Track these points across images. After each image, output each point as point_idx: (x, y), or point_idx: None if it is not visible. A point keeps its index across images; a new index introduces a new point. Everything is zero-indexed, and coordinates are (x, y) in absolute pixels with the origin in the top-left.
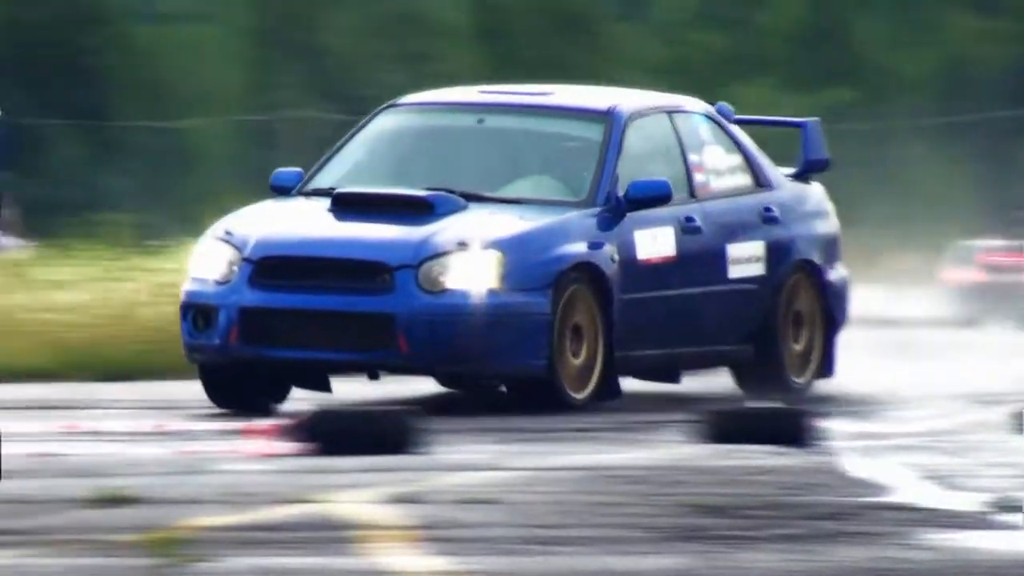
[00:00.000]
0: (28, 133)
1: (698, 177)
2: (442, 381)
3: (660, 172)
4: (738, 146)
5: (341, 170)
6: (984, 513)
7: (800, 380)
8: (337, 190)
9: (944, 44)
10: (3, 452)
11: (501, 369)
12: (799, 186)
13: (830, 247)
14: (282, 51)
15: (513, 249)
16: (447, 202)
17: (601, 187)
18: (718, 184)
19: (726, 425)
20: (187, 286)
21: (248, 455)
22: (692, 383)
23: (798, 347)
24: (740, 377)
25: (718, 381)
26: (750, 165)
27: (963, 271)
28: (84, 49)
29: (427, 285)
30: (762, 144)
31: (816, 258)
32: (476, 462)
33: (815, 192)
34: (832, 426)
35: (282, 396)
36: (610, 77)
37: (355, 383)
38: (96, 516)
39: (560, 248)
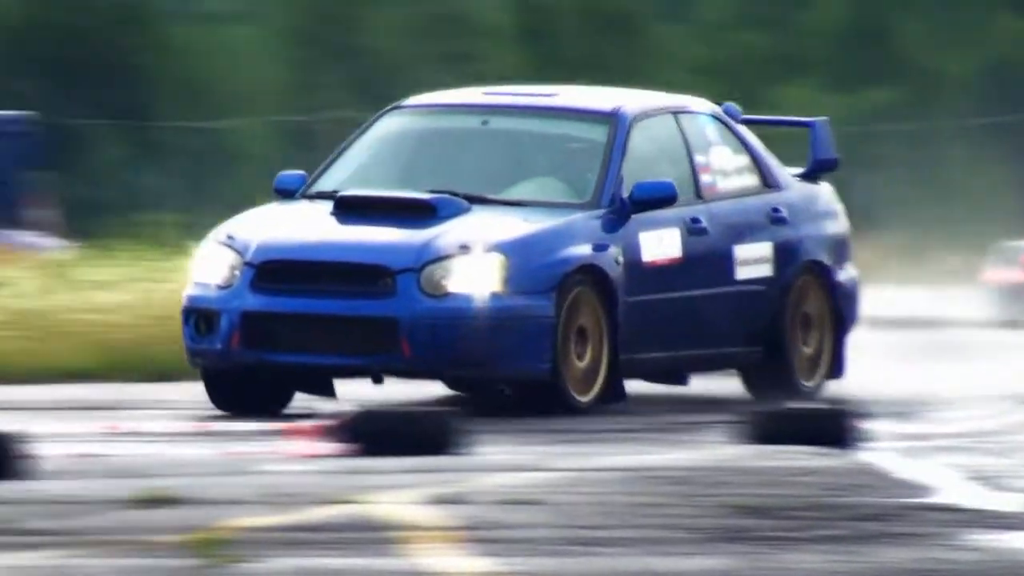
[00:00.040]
0: (69, 133)
1: (704, 178)
2: (450, 384)
3: (666, 173)
4: (745, 146)
5: (345, 172)
6: None
7: (809, 383)
8: (340, 193)
9: (987, 45)
10: (46, 452)
11: (505, 373)
12: (807, 186)
13: (839, 247)
14: (323, 51)
15: (516, 252)
16: (450, 205)
17: (606, 189)
18: (725, 185)
19: (769, 426)
20: (189, 291)
21: (290, 456)
22: (699, 385)
23: (808, 350)
24: (748, 379)
25: (727, 383)
26: (757, 165)
27: (1006, 271)
28: (126, 49)
29: (429, 289)
30: (773, 144)
31: (825, 259)
32: (519, 463)
33: (824, 192)
34: (876, 427)
35: (286, 400)
36: (652, 77)
37: (359, 386)
38: (138, 517)
39: (564, 250)
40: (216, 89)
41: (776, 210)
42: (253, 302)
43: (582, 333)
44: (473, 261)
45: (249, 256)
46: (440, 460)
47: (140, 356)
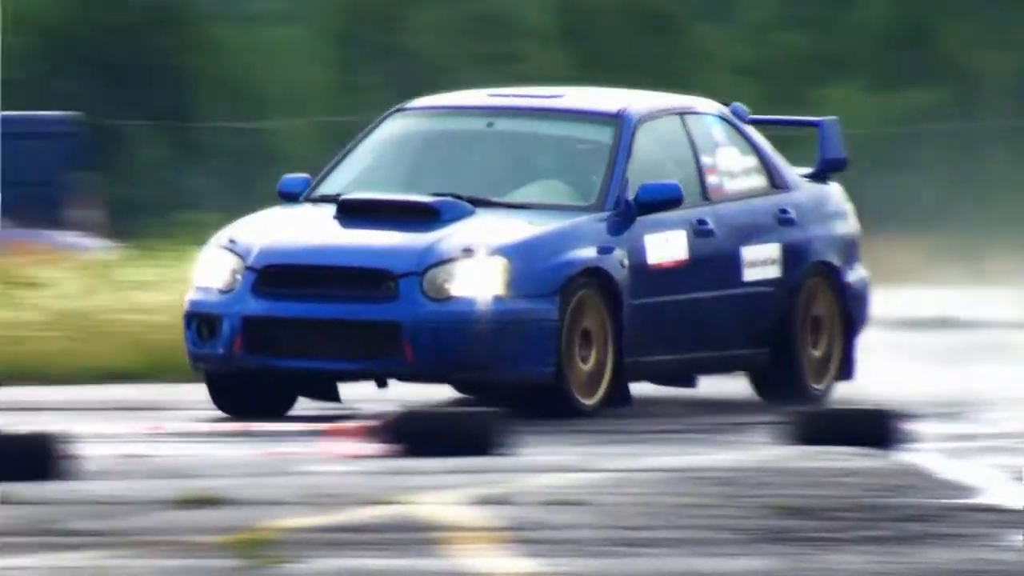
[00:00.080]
0: (111, 134)
1: (711, 179)
2: (458, 387)
3: (672, 175)
4: (753, 147)
5: (349, 176)
6: None
7: (819, 386)
8: (342, 196)
9: None
10: (89, 453)
11: (508, 376)
12: (816, 187)
13: (849, 248)
14: (364, 51)
15: (519, 255)
16: (453, 208)
17: (611, 191)
18: (732, 186)
19: (813, 426)
20: (191, 295)
21: (333, 456)
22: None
23: (817, 353)
24: (757, 382)
25: (735, 386)
26: (765, 166)
27: None
28: (168, 50)
29: (432, 292)
30: (789, 144)
31: (834, 259)
32: (563, 463)
33: (833, 193)
34: (920, 427)
35: (289, 404)
36: (694, 78)
37: (364, 388)
38: (181, 517)
39: (568, 253)
40: (257, 89)
41: (784, 211)
42: (255, 307)
43: (587, 336)
44: (476, 264)
45: (251, 260)
46: (484, 461)
47: (182, 357)
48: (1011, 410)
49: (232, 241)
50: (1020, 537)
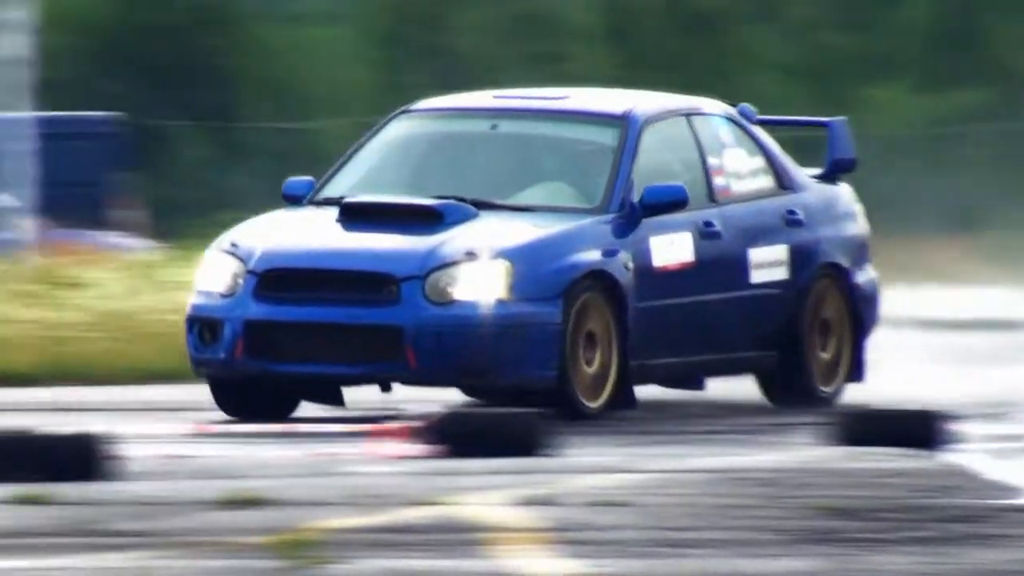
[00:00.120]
0: (154, 134)
1: (718, 180)
2: (466, 392)
3: (678, 176)
4: (760, 148)
5: (353, 178)
6: None
7: (827, 389)
8: (345, 199)
9: None
10: (133, 453)
11: (511, 380)
12: (825, 187)
13: (858, 249)
14: (408, 52)
15: (522, 258)
16: (457, 211)
17: (615, 193)
18: (739, 187)
19: (857, 427)
20: (193, 299)
21: (377, 457)
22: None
23: (825, 355)
24: (765, 385)
25: (744, 388)
26: (773, 167)
27: None
28: (211, 50)
29: (434, 296)
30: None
31: (843, 261)
32: (607, 464)
33: (842, 193)
34: (965, 428)
35: (292, 407)
36: (739, 78)
37: (368, 392)
38: (225, 518)
39: (571, 256)
40: (301, 90)
41: (792, 212)
42: (256, 311)
43: (591, 339)
44: (479, 268)
45: (252, 264)
46: (528, 461)
47: None
48: None
49: (234, 245)
50: None
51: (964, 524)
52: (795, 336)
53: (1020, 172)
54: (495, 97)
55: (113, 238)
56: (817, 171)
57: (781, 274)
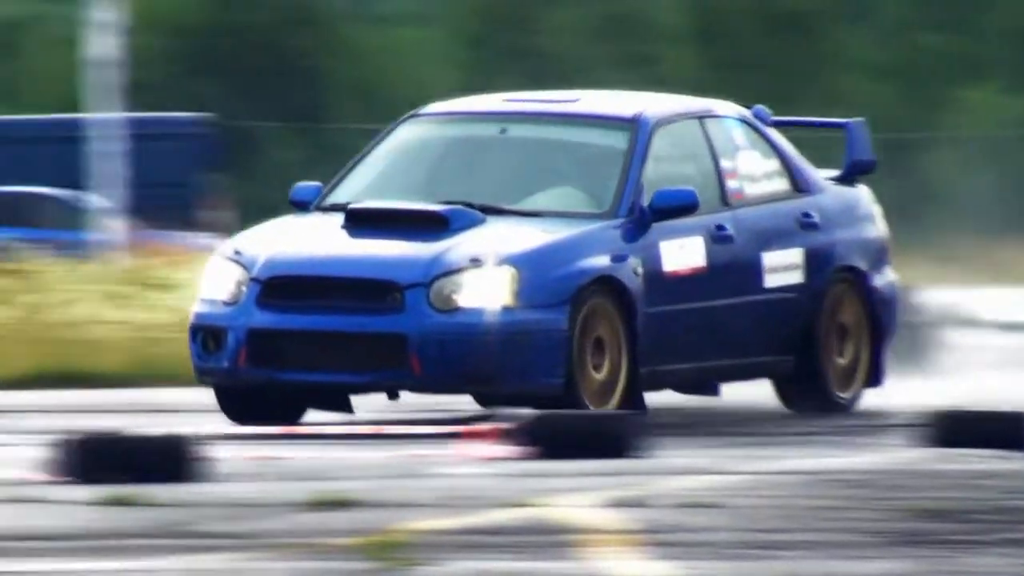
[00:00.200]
0: (243, 135)
1: (731, 184)
2: (477, 399)
3: (690, 180)
4: (775, 150)
5: (361, 183)
6: None
7: (845, 394)
8: (350, 205)
9: None
10: (222, 455)
11: (516, 388)
12: (842, 190)
13: (877, 252)
14: (497, 53)
15: (528, 264)
16: (463, 216)
17: (625, 197)
18: (753, 190)
19: (950, 428)
20: (196, 307)
21: (467, 458)
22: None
23: (843, 361)
24: (781, 390)
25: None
26: (788, 169)
27: None
28: (300, 51)
29: (439, 303)
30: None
31: (861, 264)
32: (698, 466)
33: (860, 195)
34: None
35: (299, 415)
36: (829, 79)
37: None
38: (313, 519)
39: (579, 262)
40: (390, 91)
41: (807, 215)
42: (259, 319)
43: (600, 345)
44: (484, 275)
45: (255, 272)
46: (619, 463)
47: None
48: None
49: (237, 252)
50: None
51: None
52: (811, 341)
53: None
54: (505, 100)
55: (202, 239)
56: (835, 173)
57: (796, 278)
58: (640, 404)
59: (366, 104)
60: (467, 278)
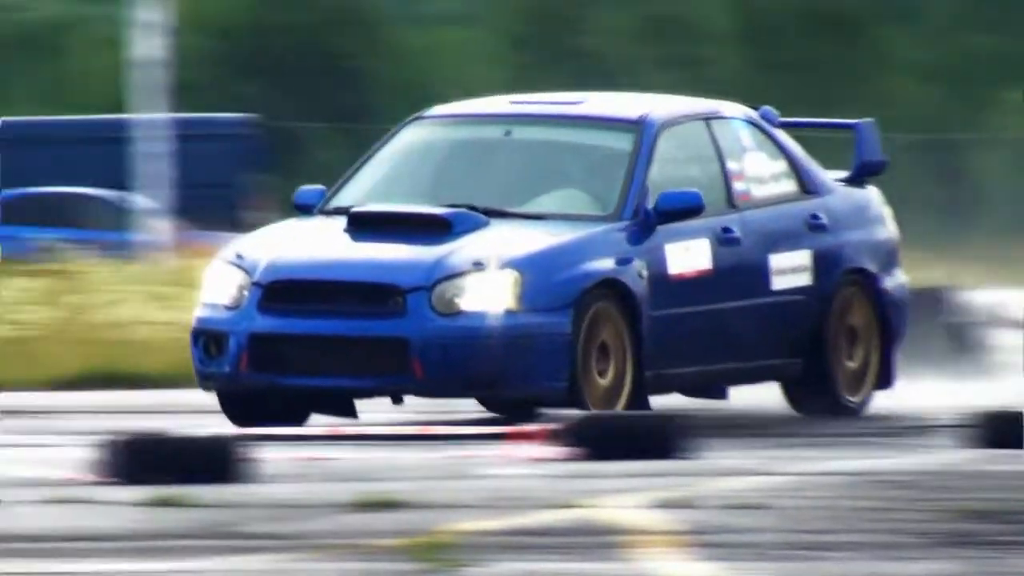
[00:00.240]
0: (288, 136)
1: (737, 185)
2: (484, 404)
3: (696, 182)
4: (783, 151)
5: (364, 186)
6: None
7: (854, 398)
8: (353, 209)
9: None
10: (267, 456)
11: (519, 392)
12: (851, 191)
13: (886, 254)
14: (543, 54)
15: (531, 268)
16: (466, 220)
17: (629, 200)
18: (760, 192)
19: (997, 429)
20: (198, 312)
21: (514, 459)
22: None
23: (852, 364)
24: (790, 393)
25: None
26: (796, 171)
27: None
28: (344, 52)
29: (441, 307)
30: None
31: (870, 266)
32: (744, 467)
33: (869, 196)
34: None
35: (303, 420)
36: (875, 80)
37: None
38: (360, 520)
39: (582, 265)
40: (434, 91)
41: (815, 217)
42: (261, 323)
43: (604, 350)
44: (486, 278)
45: (257, 276)
46: (665, 464)
47: None
48: None
49: (239, 256)
50: None
51: None
52: (820, 343)
53: None
54: (509, 102)
55: None
56: (845, 174)
57: (804, 280)
58: (646, 408)
59: (410, 104)
60: (469, 282)
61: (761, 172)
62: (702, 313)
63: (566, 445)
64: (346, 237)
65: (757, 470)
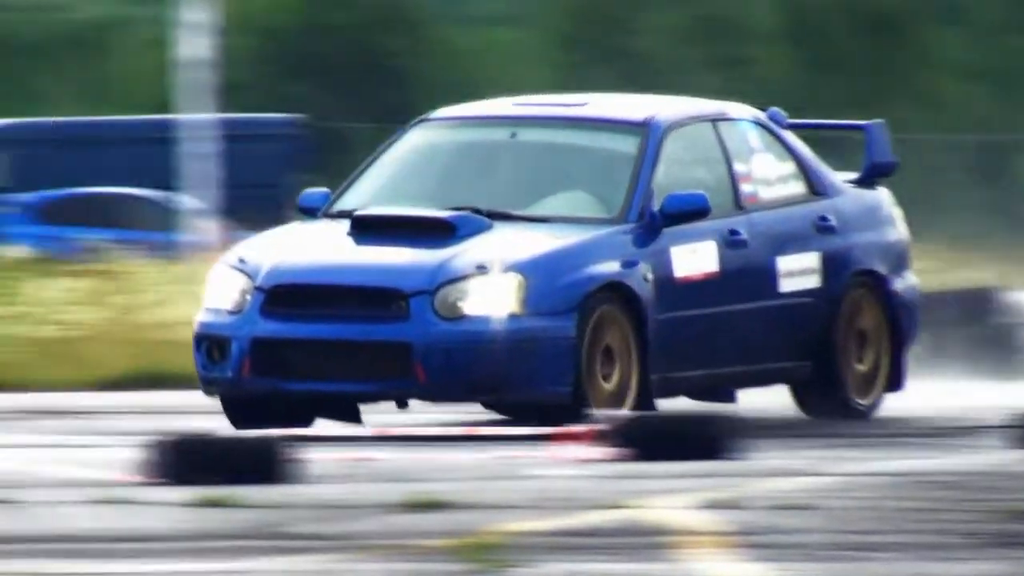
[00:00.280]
0: (335, 136)
1: (745, 187)
2: (484, 407)
3: (702, 184)
4: (791, 153)
5: (369, 189)
6: None
7: (864, 401)
8: (356, 212)
9: None
10: (314, 456)
11: (523, 397)
12: (861, 192)
13: (896, 255)
14: (590, 54)
15: (535, 271)
16: (470, 223)
17: (635, 202)
18: (768, 194)
19: None
20: (201, 317)
21: (562, 460)
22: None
23: (862, 367)
24: (798, 396)
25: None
26: (804, 172)
27: None
28: (391, 52)
29: (444, 311)
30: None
31: (880, 267)
32: (792, 468)
33: (879, 198)
34: None
35: (307, 425)
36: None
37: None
38: (406, 521)
39: (587, 268)
40: (481, 92)
41: (824, 218)
42: (263, 328)
43: (609, 354)
44: (490, 282)
45: (259, 280)
46: (713, 465)
47: None
48: None
49: (241, 260)
50: None
51: None
52: (829, 346)
53: None
54: (514, 104)
55: None
56: (855, 175)
57: (813, 282)
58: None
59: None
60: (473, 285)
61: (768, 174)
62: (709, 316)
63: (614, 446)
64: (349, 241)
65: (804, 471)
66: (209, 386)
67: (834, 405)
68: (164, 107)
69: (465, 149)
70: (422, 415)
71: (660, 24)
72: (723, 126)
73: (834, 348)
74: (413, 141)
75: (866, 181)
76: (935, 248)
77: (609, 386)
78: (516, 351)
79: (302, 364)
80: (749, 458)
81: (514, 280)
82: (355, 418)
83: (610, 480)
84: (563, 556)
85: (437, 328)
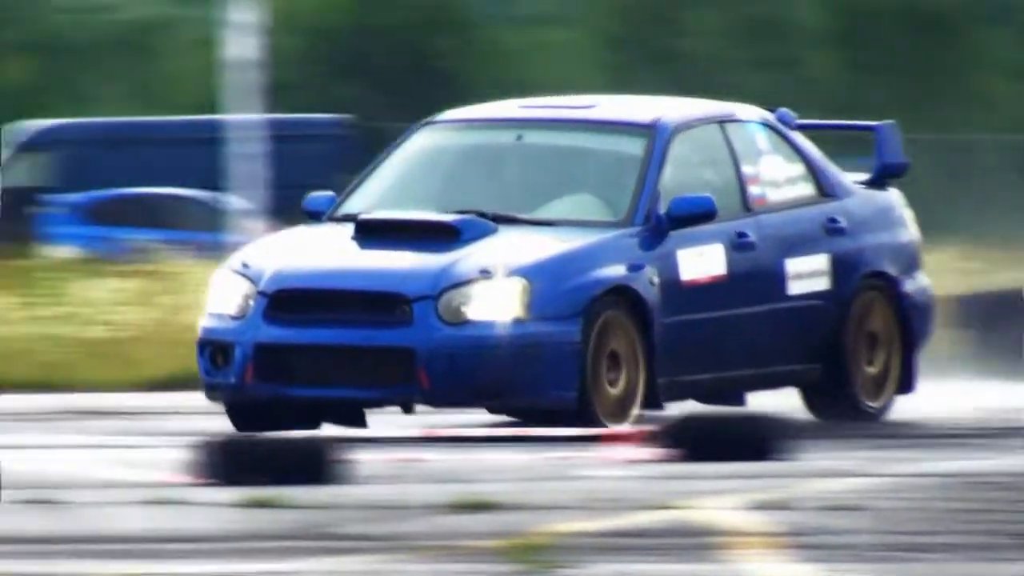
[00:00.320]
0: (382, 136)
1: (753, 189)
2: (495, 414)
3: (710, 186)
4: (800, 154)
5: (374, 193)
6: None
7: (874, 403)
8: (360, 216)
9: None
10: (363, 457)
11: (527, 402)
12: (871, 194)
13: (907, 257)
14: (638, 55)
15: (539, 276)
16: (475, 226)
17: (641, 205)
18: (776, 196)
19: None
20: (204, 322)
21: (611, 461)
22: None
23: (872, 369)
24: (808, 399)
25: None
26: (813, 174)
27: None
28: (440, 52)
29: (448, 316)
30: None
31: (890, 269)
32: (841, 468)
33: (890, 199)
34: None
35: (314, 427)
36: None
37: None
38: (455, 522)
39: (592, 272)
40: (530, 93)
41: (833, 220)
42: (266, 333)
43: (615, 358)
44: (494, 286)
45: (262, 285)
46: (762, 466)
47: None
48: None
49: (245, 265)
50: None
51: None
52: (839, 348)
53: None
54: (520, 107)
55: None
56: (865, 176)
57: (822, 285)
58: None
59: None
60: (476, 290)
61: (777, 175)
62: (716, 319)
63: (662, 446)
64: (353, 245)
65: (853, 471)
66: (213, 392)
67: (844, 408)
68: (211, 107)
69: (471, 152)
70: (472, 416)
71: (708, 24)
72: (731, 128)
73: (844, 351)
74: (418, 144)
75: (877, 182)
76: (987, 249)
77: (615, 391)
78: (520, 356)
79: (305, 369)
80: (798, 459)
81: (518, 284)
82: (360, 423)
83: (659, 481)
84: (611, 557)
85: (441, 333)
